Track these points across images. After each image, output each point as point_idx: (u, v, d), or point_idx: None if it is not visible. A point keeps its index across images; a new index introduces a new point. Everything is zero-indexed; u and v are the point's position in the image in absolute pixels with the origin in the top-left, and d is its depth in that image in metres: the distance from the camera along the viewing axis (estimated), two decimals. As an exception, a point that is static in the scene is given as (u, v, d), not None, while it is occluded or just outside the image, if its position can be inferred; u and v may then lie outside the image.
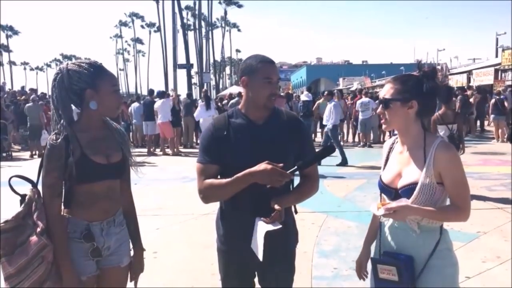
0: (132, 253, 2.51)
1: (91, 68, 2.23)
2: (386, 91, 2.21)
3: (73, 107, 2.30)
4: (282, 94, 15.94)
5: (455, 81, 27.23)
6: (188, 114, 15.24)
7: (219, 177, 2.33)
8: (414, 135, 2.20)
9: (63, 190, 2.22)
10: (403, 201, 2.08)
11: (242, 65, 2.37)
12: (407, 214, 2.08)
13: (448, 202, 2.18)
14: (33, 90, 24.09)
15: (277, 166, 2.08)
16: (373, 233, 2.46)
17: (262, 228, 2.10)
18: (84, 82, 2.20)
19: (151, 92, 15.51)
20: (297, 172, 2.19)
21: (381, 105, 2.22)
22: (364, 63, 73.90)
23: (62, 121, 2.21)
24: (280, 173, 2.07)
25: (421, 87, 2.15)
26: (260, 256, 2.12)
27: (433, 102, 2.27)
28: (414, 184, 2.11)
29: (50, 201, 2.17)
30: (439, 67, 26.66)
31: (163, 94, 14.62)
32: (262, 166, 2.09)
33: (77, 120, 2.29)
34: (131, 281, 2.49)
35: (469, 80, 26.71)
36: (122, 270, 2.39)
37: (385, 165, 2.34)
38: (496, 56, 30.02)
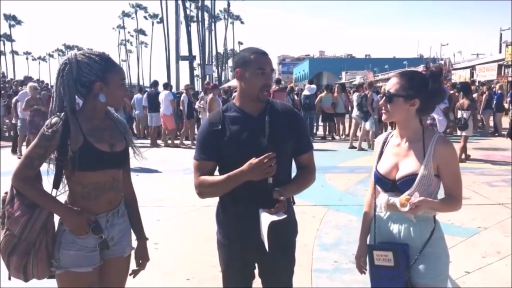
0: (135, 243, 2.52)
1: (102, 61, 2.23)
2: (392, 85, 2.26)
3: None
4: (283, 87, 15.92)
5: (458, 76, 27.14)
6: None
7: (217, 172, 2.35)
8: (414, 129, 2.28)
9: (61, 176, 2.25)
10: (417, 195, 2.12)
11: (236, 57, 2.40)
12: (424, 207, 2.14)
13: (439, 194, 2.26)
14: (29, 79, 24.10)
15: (262, 158, 2.09)
16: (367, 227, 2.49)
17: (266, 219, 2.10)
18: (94, 75, 2.20)
19: (155, 83, 15.48)
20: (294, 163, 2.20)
21: (384, 98, 2.27)
22: (367, 57, 73.64)
23: (65, 108, 2.20)
24: (263, 159, 2.09)
25: (426, 87, 2.22)
26: (267, 246, 2.13)
27: (434, 102, 2.32)
28: (413, 175, 2.19)
29: (22, 167, 2.17)
30: (442, 62, 26.63)
31: (166, 86, 14.62)
32: (247, 163, 2.12)
33: (80, 109, 2.28)
34: (138, 271, 2.50)
35: (472, 75, 26.62)
36: (124, 260, 2.41)
37: (379, 157, 2.38)
38: (500, 52, 29.90)
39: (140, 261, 2.52)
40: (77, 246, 2.21)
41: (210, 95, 12.93)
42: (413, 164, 2.21)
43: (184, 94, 14.51)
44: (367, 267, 2.42)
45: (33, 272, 2.19)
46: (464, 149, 10.14)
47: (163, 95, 13.90)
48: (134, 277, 2.49)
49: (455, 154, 2.26)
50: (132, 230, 2.50)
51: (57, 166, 2.24)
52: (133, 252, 2.49)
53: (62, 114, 2.20)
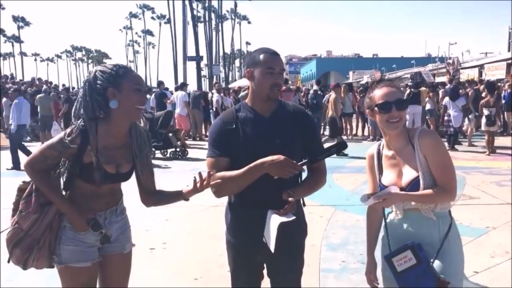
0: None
1: (114, 68, 2.24)
2: (395, 92, 2.28)
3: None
4: (291, 87, 15.93)
5: (467, 75, 26.94)
6: (195, 107, 15.24)
7: None
8: (403, 132, 2.30)
9: (65, 179, 2.31)
10: (391, 189, 2.16)
11: (247, 58, 2.42)
12: (395, 200, 2.19)
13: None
14: (41, 81, 24.25)
15: (294, 163, 2.12)
16: (374, 240, 2.52)
17: (275, 220, 2.11)
18: (106, 80, 2.21)
19: (159, 83, 15.57)
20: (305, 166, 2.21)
21: (394, 108, 2.23)
22: (375, 56, 73.30)
23: (82, 116, 2.23)
24: (292, 164, 2.10)
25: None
26: (272, 248, 2.14)
27: None
28: (417, 177, 2.20)
29: (35, 161, 2.25)
30: (450, 61, 26.45)
31: (183, 86, 14.75)
32: (275, 156, 2.12)
33: (104, 121, 2.27)
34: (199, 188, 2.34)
35: (480, 74, 26.43)
36: (125, 256, 2.47)
37: (380, 170, 2.39)
38: (509, 50, 29.64)
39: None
40: (76, 241, 2.29)
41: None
42: (412, 166, 2.24)
43: (216, 94, 14.54)
44: (380, 281, 2.44)
45: (32, 264, 2.30)
46: (492, 142, 11.24)
47: (179, 95, 13.98)
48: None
49: (439, 143, 2.25)
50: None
51: (69, 172, 2.30)
52: (134, 249, 2.54)
53: (82, 122, 2.22)
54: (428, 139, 2.23)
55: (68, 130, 2.24)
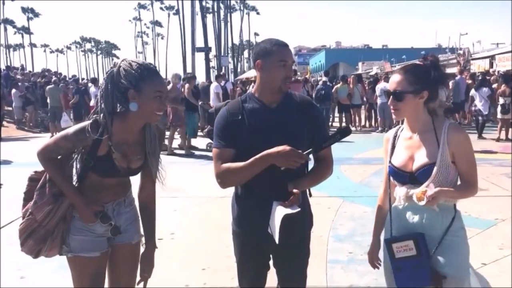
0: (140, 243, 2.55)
1: (139, 70, 2.20)
2: (397, 83, 2.24)
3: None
4: (299, 78, 15.88)
5: (477, 66, 26.66)
6: (206, 98, 15.27)
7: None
8: (423, 120, 2.27)
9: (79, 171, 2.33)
10: (432, 187, 2.13)
11: (256, 49, 2.37)
12: (442, 197, 2.15)
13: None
14: (50, 72, 24.36)
15: (300, 152, 2.12)
16: (381, 223, 2.50)
17: (280, 212, 2.12)
18: (128, 81, 2.19)
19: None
20: (311, 156, 2.21)
21: (391, 97, 2.25)
22: (384, 47, 72.70)
23: (103, 110, 2.22)
24: (298, 154, 2.10)
25: (430, 77, 2.22)
26: (277, 239, 2.14)
27: (438, 89, 2.32)
28: (430, 165, 2.18)
29: (48, 150, 2.27)
30: (461, 52, 26.17)
31: (218, 77, 14.96)
32: (281, 147, 2.12)
33: (120, 116, 2.27)
34: (140, 281, 2.50)
35: (491, 65, 26.13)
36: (133, 246, 2.48)
37: (392, 152, 2.38)
38: (520, 41, 29.23)
39: (143, 270, 2.49)
40: (85, 231, 2.31)
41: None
42: (428, 154, 2.21)
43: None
44: (381, 263, 2.45)
45: (44, 254, 2.32)
46: (506, 131, 11.94)
47: (212, 86, 14.25)
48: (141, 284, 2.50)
49: (468, 139, 2.25)
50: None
51: (83, 164, 2.31)
52: (142, 239, 2.54)
53: (101, 116, 2.22)
54: (460, 135, 2.21)
55: (87, 123, 2.21)
